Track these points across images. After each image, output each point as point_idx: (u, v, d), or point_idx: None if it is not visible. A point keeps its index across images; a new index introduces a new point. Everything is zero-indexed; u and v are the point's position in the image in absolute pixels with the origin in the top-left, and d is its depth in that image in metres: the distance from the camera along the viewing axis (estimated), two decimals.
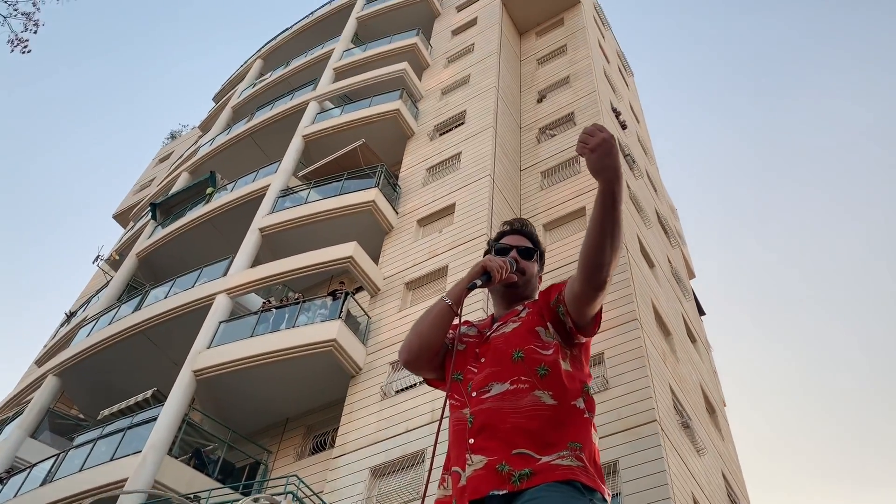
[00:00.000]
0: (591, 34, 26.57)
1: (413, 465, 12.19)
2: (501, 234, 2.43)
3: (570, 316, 2.07)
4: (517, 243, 2.35)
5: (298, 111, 24.11)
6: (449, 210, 18.03)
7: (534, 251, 2.36)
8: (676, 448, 12.77)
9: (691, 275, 35.90)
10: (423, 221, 18.29)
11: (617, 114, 23.78)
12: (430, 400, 12.95)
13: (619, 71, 30.43)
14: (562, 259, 16.85)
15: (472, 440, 1.96)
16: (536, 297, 2.30)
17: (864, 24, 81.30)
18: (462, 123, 21.53)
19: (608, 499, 1.89)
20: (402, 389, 13.65)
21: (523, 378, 2.01)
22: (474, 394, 2.05)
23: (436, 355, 2.21)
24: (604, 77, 25.08)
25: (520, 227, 2.42)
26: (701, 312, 37.87)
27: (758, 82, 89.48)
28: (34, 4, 10.47)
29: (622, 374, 13.31)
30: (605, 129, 1.90)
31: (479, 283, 2.15)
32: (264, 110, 25.59)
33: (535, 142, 21.77)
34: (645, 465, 11.67)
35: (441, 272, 16.11)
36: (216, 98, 34.59)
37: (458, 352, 2.18)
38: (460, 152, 19.98)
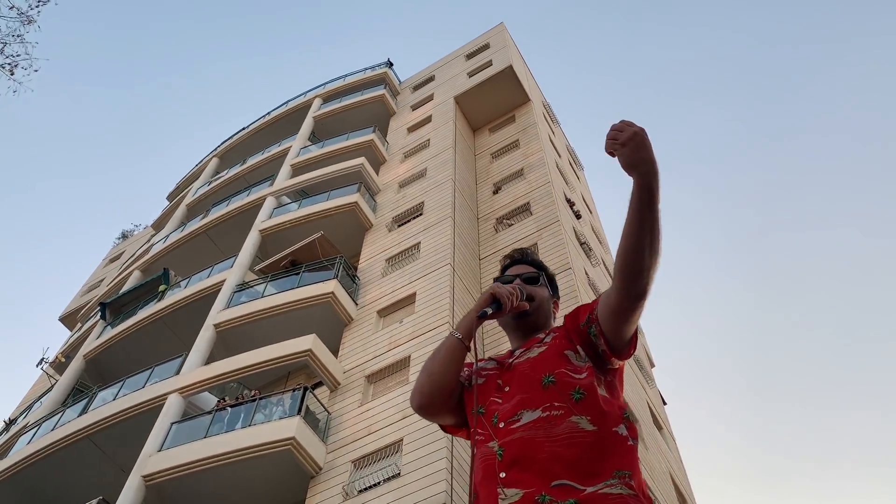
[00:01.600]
0: (542, 130, 27.43)
1: None
2: (504, 269, 2.28)
3: (604, 337, 1.90)
4: (520, 272, 2.19)
5: (255, 206, 24.03)
6: (410, 300, 17.84)
7: (539, 275, 2.20)
8: None
9: (651, 364, 35.99)
10: (384, 312, 18.03)
11: (571, 204, 24.29)
12: (397, 498, 12.34)
13: (570, 164, 31.33)
14: None
15: (504, 474, 1.73)
16: (552, 323, 2.13)
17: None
18: (420, 214, 21.67)
19: None
20: (366, 488, 13.00)
21: (556, 403, 1.81)
22: (501, 425, 1.83)
23: (450, 396, 2.00)
24: (556, 169, 25.73)
25: (520, 257, 2.27)
26: (663, 402, 37.83)
27: (698, 177, 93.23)
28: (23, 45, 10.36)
29: None
30: (634, 123, 1.77)
31: (489, 311, 1.98)
32: (220, 206, 25.45)
33: (492, 231, 21.97)
34: None
35: (403, 363, 15.75)
36: (170, 197, 34.37)
37: (477, 385, 1.97)
38: (419, 242, 20.00)
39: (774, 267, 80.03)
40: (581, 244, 22.01)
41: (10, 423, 21.00)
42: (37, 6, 10.48)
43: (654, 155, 1.75)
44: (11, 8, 9.83)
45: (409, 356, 15.70)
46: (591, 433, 1.75)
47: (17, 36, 10.34)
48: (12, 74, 10.45)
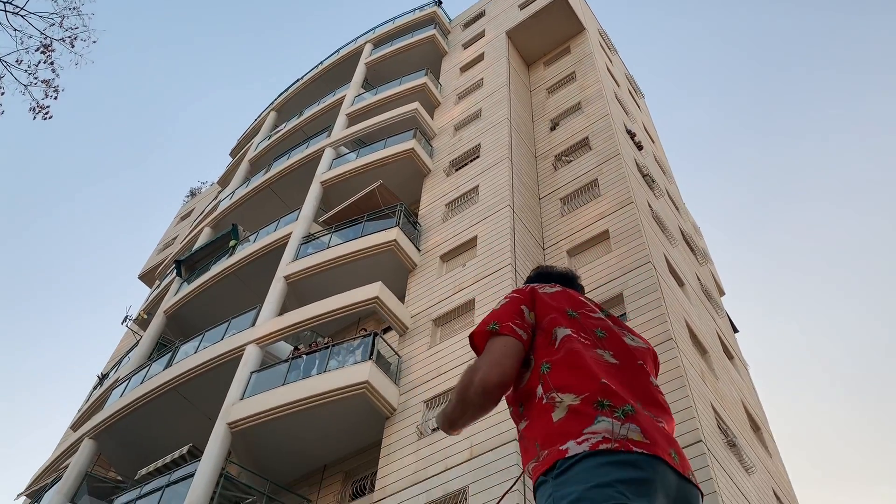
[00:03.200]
0: (599, 59, 26.69)
1: (455, 503, 11.92)
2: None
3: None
4: None
5: (315, 158, 24.35)
6: (471, 243, 17.97)
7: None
8: (725, 468, 12.40)
9: (721, 292, 35.40)
10: (446, 257, 18.23)
11: (632, 135, 23.74)
12: (468, 436, 12.72)
13: (630, 93, 30.48)
14: (589, 284, 16.65)
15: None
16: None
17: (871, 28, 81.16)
18: (477, 157, 21.59)
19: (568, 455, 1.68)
20: (438, 427, 13.43)
21: None
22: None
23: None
24: (615, 100, 25.11)
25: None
26: (734, 330, 37.29)
27: (772, 85, 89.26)
28: (53, 71, 10.70)
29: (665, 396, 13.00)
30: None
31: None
32: (281, 160, 25.88)
33: (551, 169, 21.75)
34: None
35: (468, 306, 15.98)
36: (233, 153, 35.08)
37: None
38: (478, 185, 20.00)
39: None
40: (643, 176, 21.61)
41: (103, 377, 22.32)
42: None
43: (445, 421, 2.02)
44: None
45: (474, 299, 15.91)
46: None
47: (73, 9, 10.58)
48: (72, 47, 10.73)
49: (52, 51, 10.73)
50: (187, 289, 22.06)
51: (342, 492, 14.74)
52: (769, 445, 17.49)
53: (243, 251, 21.35)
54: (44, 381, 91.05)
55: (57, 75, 10.55)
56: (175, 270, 23.70)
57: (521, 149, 21.98)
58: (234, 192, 26.63)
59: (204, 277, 21.56)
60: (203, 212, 29.96)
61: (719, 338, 18.96)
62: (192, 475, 13.92)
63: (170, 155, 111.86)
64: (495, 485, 11.55)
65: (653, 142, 28.49)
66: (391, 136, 23.30)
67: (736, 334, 38.36)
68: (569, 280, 2.31)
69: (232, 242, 22.47)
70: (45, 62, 10.59)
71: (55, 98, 10.73)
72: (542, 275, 2.33)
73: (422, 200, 21.40)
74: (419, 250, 18.94)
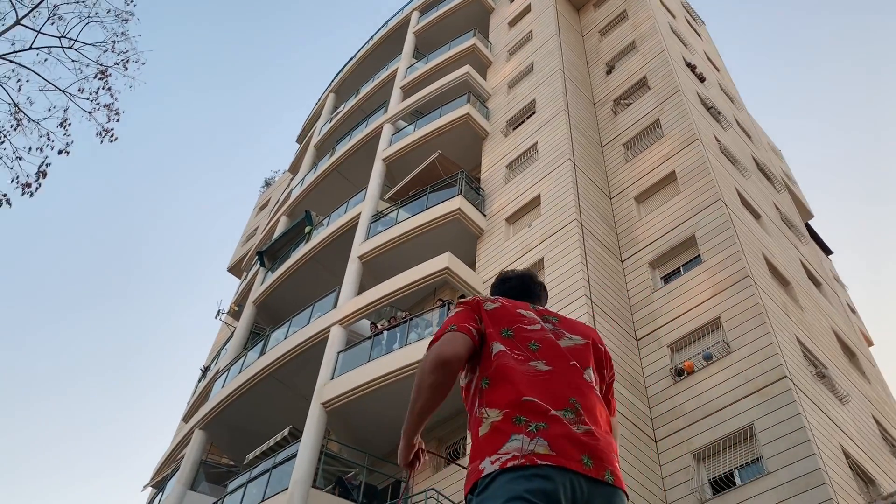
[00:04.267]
0: None
1: None
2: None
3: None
4: None
5: (375, 136, 24.68)
6: (535, 203, 17.97)
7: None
8: (814, 401, 12.19)
9: (808, 215, 34.03)
10: (512, 219, 18.30)
11: (692, 68, 22.96)
12: None
13: (688, 23, 29.35)
14: (659, 229, 16.44)
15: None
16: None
17: None
18: (533, 113, 21.40)
19: (495, 466, 1.86)
20: None
21: None
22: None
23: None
24: (671, 33, 24.28)
25: None
26: (827, 252, 35.87)
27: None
28: (111, 96, 11.31)
29: (743, 336, 12.85)
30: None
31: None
32: (343, 142, 26.35)
33: (611, 115, 21.36)
34: (781, 424, 11.22)
35: (537, 266, 16.07)
36: (299, 139, 35.90)
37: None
38: (536, 143, 19.87)
39: None
40: (708, 109, 20.94)
41: (206, 370, 23.64)
42: (131, 2, 11.16)
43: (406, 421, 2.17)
44: (108, 11, 10.53)
45: (542, 259, 15.98)
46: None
47: (122, 34, 11.12)
48: (126, 70, 11.31)
49: (109, 76, 11.34)
50: (271, 278, 22.95)
51: (437, 457, 15.26)
52: (867, 371, 16.98)
53: (318, 236, 22.00)
54: (155, 378, 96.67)
55: (115, 99, 11.15)
56: (258, 262, 24.66)
57: (578, 98, 21.63)
58: (303, 179, 27.35)
59: (285, 265, 22.36)
60: (278, 201, 30.92)
61: (803, 266, 18.38)
62: (294, 456, 14.69)
63: (243, 148, 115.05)
64: None
65: (717, 69, 27.42)
66: (446, 104, 23.33)
67: (830, 256, 37.01)
68: (524, 285, 2.45)
69: (307, 229, 23.16)
70: (103, 88, 11.22)
71: (117, 121, 11.37)
72: (501, 281, 2.50)
73: (482, 164, 21.45)
74: (484, 215, 19.07)
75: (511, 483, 1.80)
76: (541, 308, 2.32)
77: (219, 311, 24.52)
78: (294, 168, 32.57)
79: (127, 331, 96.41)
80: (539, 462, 1.83)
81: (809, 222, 32.82)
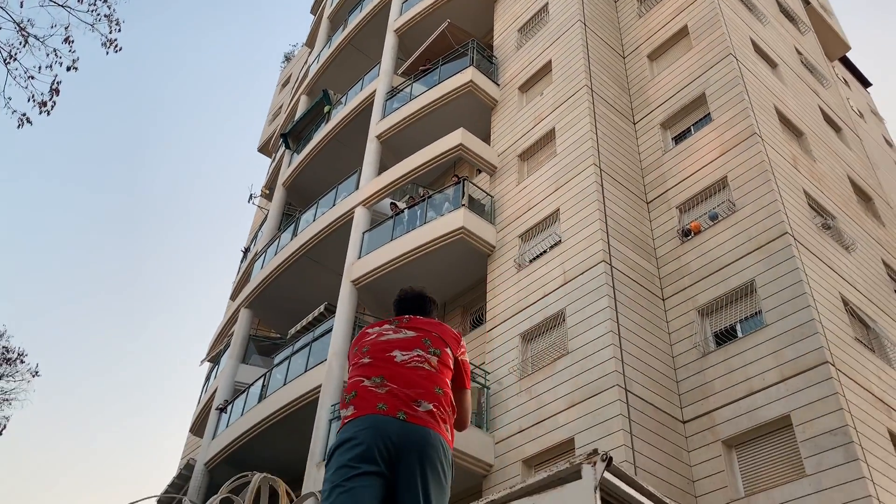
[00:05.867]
0: None
1: (555, 325, 13.08)
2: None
3: None
4: None
5: (385, 5, 24.22)
6: (546, 69, 17.86)
7: None
8: (816, 254, 12.64)
9: (844, 48, 32.70)
10: (524, 87, 18.28)
11: None
12: (561, 263, 13.63)
13: None
14: (671, 89, 16.37)
15: None
16: None
17: None
18: None
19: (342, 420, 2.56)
20: (534, 258, 14.41)
21: None
22: None
23: None
24: None
25: None
26: (865, 84, 34.71)
27: None
28: (108, 7, 11.52)
29: (747, 194, 13.16)
30: None
31: None
32: (355, 14, 25.92)
33: None
34: (780, 279, 11.77)
35: (549, 136, 16.27)
36: (313, 10, 35.19)
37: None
38: (546, 3, 19.40)
39: None
40: None
41: (246, 251, 24.89)
42: None
43: None
44: None
45: (553, 129, 16.16)
46: None
47: None
48: None
49: None
50: (297, 159, 23.52)
51: (463, 323, 16.34)
52: (884, 214, 17.18)
53: (338, 115, 22.27)
54: (202, 258, 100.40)
55: (113, 10, 11.37)
56: (283, 144, 25.18)
57: None
58: (319, 55, 27.21)
59: (309, 147, 22.84)
60: (298, 78, 30.91)
61: (822, 112, 18.17)
62: (330, 330, 15.93)
63: (261, 23, 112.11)
64: (588, 305, 12.53)
65: None
66: None
67: (868, 89, 35.86)
68: (400, 306, 3.05)
69: (326, 108, 23.39)
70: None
71: (119, 31, 11.62)
72: (394, 301, 3.11)
73: (495, 29, 21.10)
74: (498, 84, 19.05)
75: (335, 445, 2.50)
76: (404, 317, 2.91)
77: (250, 195, 25.40)
78: (310, 41, 32.22)
79: (163, 219, 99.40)
80: (346, 421, 2.52)
81: (847, 55, 31.63)
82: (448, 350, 2.77)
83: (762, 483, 10.55)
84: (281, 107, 35.02)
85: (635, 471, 10.36)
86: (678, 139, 15.63)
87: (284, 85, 38.00)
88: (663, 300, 13.52)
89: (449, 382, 2.71)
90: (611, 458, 3.56)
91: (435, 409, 2.55)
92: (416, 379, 2.61)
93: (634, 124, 16.77)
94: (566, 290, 13.12)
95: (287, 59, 40.11)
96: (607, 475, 3.57)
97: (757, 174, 13.23)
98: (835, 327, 11.47)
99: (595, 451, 3.61)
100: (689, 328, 12.74)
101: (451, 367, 2.76)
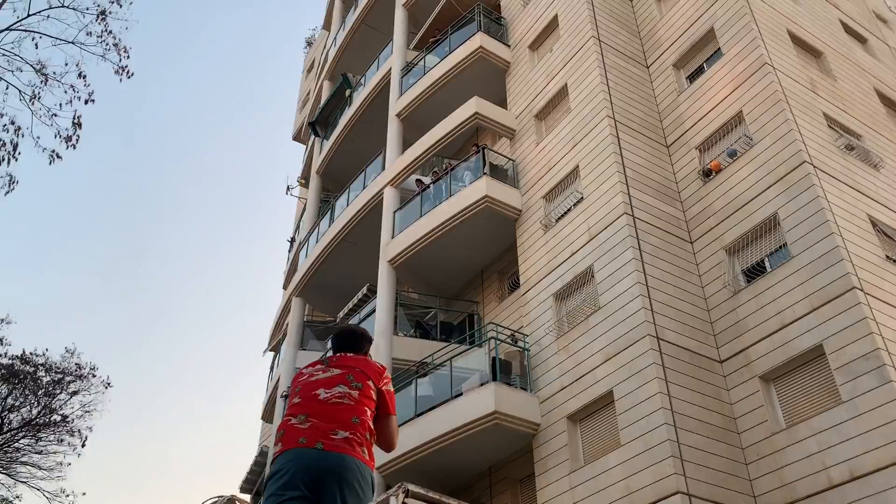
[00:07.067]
0: None
1: (585, 282, 13.33)
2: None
3: None
4: None
5: None
6: (553, 24, 17.79)
7: None
8: (839, 178, 12.51)
9: None
10: (534, 45, 18.25)
11: None
12: (585, 220, 13.81)
13: None
14: (680, 27, 16.16)
15: None
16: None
17: None
18: None
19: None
20: (559, 217, 14.61)
21: None
22: None
23: None
24: None
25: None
26: None
27: None
28: (113, 36, 12.07)
29: (763, 127, 13.06)
30: None
31: None
32: None
33: None
34: (802, 209, 11.74)
35: (562, 93, 16.29)
36: None
37: None
38: None
39: None
40: None
41: (292, 241, 25.68)
42: None
43: None
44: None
45: (566, 84, 16.16)
46: None
47: None
48: (121, 7, 11.92)
49: (110, 14, 12.04)
50: (327, 146, 24.02)
51: (500, 289, 16.71)
52: None
53: (359, 97, 22.59)
54: (251, 252, 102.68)
55: (119, 40, 11.93)
56: (312, 132, 25.69)
57: None
58: (335, 38, 27.48)
59: (336, 132, 23.28)
60: (319, 63, 31.26)
61: (843, 26, 17.62)
62: (374, 311, 16.51)
63: (283, 9, 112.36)
64: (614, 259, 12.73)
65: None
66: None
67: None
68: (336, 345, 3.44)
69: (347, 92, 23.74)
70: (105, 31, 11.97)
71: (128, 57, 12.21)
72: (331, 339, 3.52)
73: None
74: (508, 46, 19.04)
75: (267, 477, 2.93)
76: (335, 355, 3.33)
77: (287, 186, 26.08)
78: (327, 24, 32.47)
79: (209, 220, 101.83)
80: (276, 456, 2.93)
81: None
82: (370, 382, 3.16)
83: (801, 414, 10.71)
84: (308, 93, 35.50)
85: (672, 416, 10.66)
86: (692, 78, 15.47)
87: (309, 70, 38.42)
88: (691, 243, 13.60)
89: (369, 411, 3.10)
90: (408, 490, 4.54)
91: (351, 436, 2.94)
92: (335, 412, 3.01)
93: (647, 68, 16.62)
94: (592, 247, 13.32)
95: (308, 44, 40.47)
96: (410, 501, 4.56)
97: (771, 105, 13.07)
98: (863, 251, 11.41)
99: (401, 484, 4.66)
100: (718, 268, 12.82)
101: (374, 397, 3.16)
